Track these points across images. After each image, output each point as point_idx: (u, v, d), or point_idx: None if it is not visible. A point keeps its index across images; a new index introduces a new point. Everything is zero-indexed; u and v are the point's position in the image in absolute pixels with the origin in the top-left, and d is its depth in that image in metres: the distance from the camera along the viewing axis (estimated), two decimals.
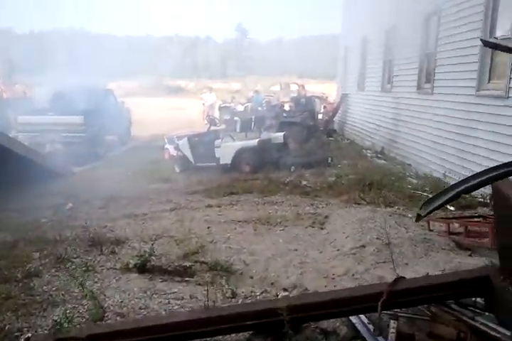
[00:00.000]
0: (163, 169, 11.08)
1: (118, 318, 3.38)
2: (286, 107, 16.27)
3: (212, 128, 11.20)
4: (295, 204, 6.73)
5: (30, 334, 2.81)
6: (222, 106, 21.78)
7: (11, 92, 20.05)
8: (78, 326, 3.14)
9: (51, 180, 9.55)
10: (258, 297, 3.76)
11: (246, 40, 71.12)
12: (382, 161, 9.88)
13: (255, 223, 5.94)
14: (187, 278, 4.27)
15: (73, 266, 4.46)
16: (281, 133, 10.22)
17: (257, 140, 9.69)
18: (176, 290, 3.99)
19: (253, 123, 10.25)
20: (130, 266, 4.40)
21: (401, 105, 10.14)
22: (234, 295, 3.78)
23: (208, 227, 5.78)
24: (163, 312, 3.50)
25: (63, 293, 3.93)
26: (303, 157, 9.78)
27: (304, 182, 8.02)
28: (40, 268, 4.56)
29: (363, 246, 4.71)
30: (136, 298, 3.74)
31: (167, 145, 12.35)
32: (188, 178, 9.96)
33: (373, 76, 12.82)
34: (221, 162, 9.94)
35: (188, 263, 4.59)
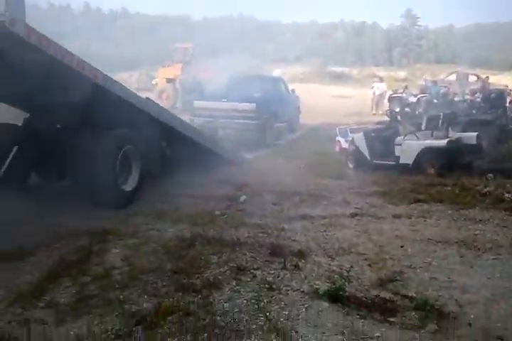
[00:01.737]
0: (334, 163, 10.34)
1: None
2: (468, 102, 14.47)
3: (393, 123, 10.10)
4: (504, 225, 5.49)
5: None
6: (392, 96, 20.30)
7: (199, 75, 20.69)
8: None
9: (223, 167, 9.35)
10: None
11: (414, 27, 66.75)
12: None
13: (459, 246, 4.88)
14: (389, 318, 3.43)
15: (256, 283, 3.88)
16: (475, 134, 8.81)
17: (447, 140, 8.42)
18: (378, 334, 3.18)
19: (441, 120, 8.96)
20: (320, 291, 3.67)
21: None
22: None
23: (402, 246, 4.85)
24: None
25: (247, 318, 3.34)
26: (502, 163, 8.30)
27: (508, 195, 6.65)
28: (220, 277, 4.06)
29: None
30: None
31: (338, 138, 11.57)
32: (362, 176, 9.08)
33: None
34: (401, 161, 8.89)
35: (387, 295, 3.74)
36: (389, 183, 8.08)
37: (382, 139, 9.43)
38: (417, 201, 6.79)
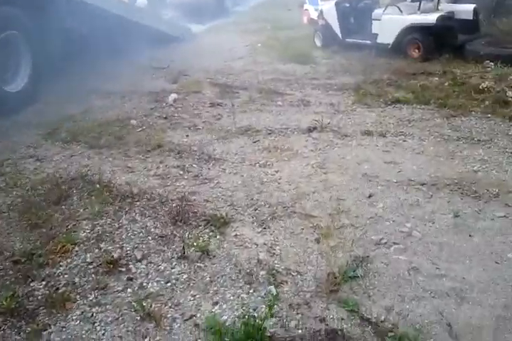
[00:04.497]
0: (299, 39, 8.12)
1: None
2: None
3: None
4: None
5: None
6: None
7: None
8: None
9: (161, 47, 7.27)
10: None
11: None
12: None
13: (452, 192, 3.18)
14: None
15: (118, 303, 2.23)
16: (472, 6, 6.52)
17: (437, 15, 6.22)
18: None
19: None
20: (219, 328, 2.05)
21: None
22: None
23: (370, 196, 3.14)
24: None
25: None
26: (504, 45, 6.21)
27: None
28: (75, 280, 2.41)
29: None
30: None
31: (307, 6, 9.17)
32: (331, 59, 7.01)
33: None
34: (379, 40, 6.78)
35: (336, 317, 2.14)
36: (362, 71, 6.11)
37: (358, 12, 7.16)
38: (396, 101, 4.96)
